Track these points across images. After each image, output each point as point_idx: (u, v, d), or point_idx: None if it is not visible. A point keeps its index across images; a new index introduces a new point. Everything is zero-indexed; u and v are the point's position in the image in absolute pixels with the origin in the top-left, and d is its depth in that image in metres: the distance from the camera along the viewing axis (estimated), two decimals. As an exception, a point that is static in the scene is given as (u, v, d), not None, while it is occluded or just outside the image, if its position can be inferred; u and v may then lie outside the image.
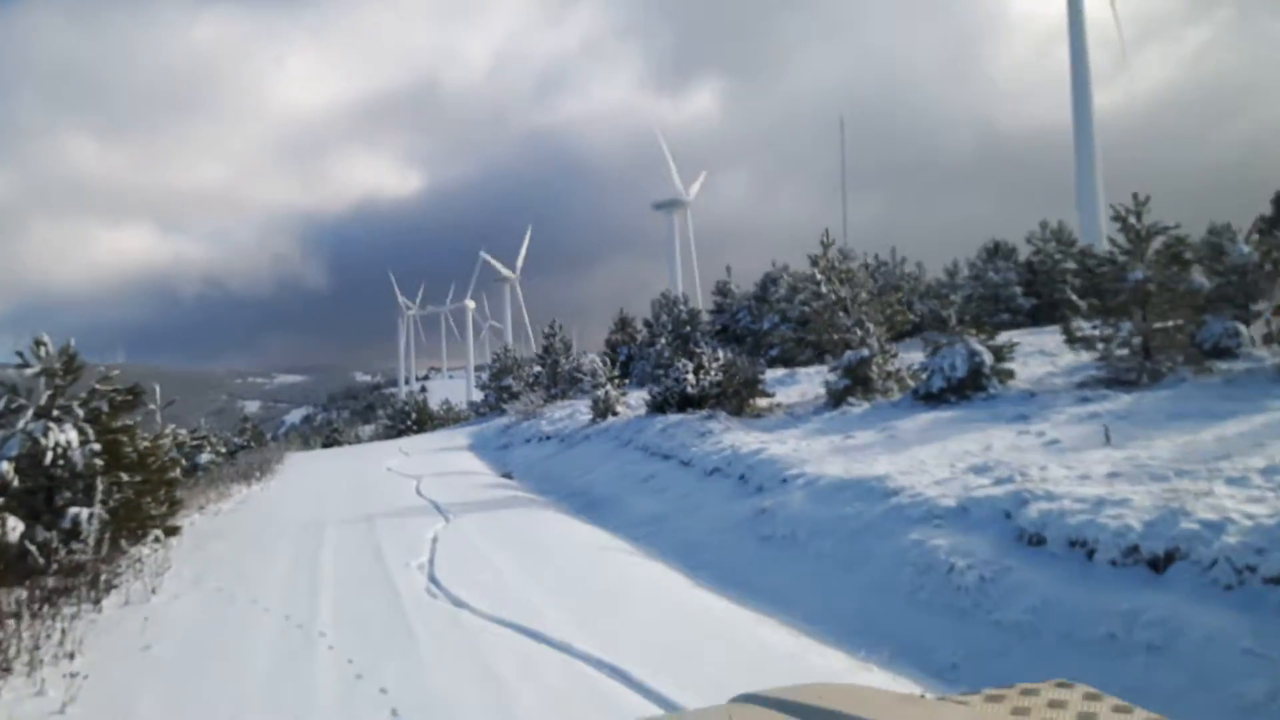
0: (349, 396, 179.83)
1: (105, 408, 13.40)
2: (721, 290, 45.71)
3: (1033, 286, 34.32)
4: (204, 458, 34.34)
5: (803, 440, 13.77)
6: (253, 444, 44.12)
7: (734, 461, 13.24)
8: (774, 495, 11.44)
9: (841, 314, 17.21)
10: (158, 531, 13.70)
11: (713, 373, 19.57)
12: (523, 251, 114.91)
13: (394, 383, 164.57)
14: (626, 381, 43.02)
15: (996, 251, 35.51)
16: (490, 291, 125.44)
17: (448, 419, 64.60)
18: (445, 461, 25.54)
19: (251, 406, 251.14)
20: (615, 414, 23.18)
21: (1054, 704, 1.48)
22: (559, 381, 45.66)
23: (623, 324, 45.23)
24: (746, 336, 42.90)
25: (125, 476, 13.30)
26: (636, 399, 24.85)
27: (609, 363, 43.20)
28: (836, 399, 16.03)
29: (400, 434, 57.67)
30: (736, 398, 17.90)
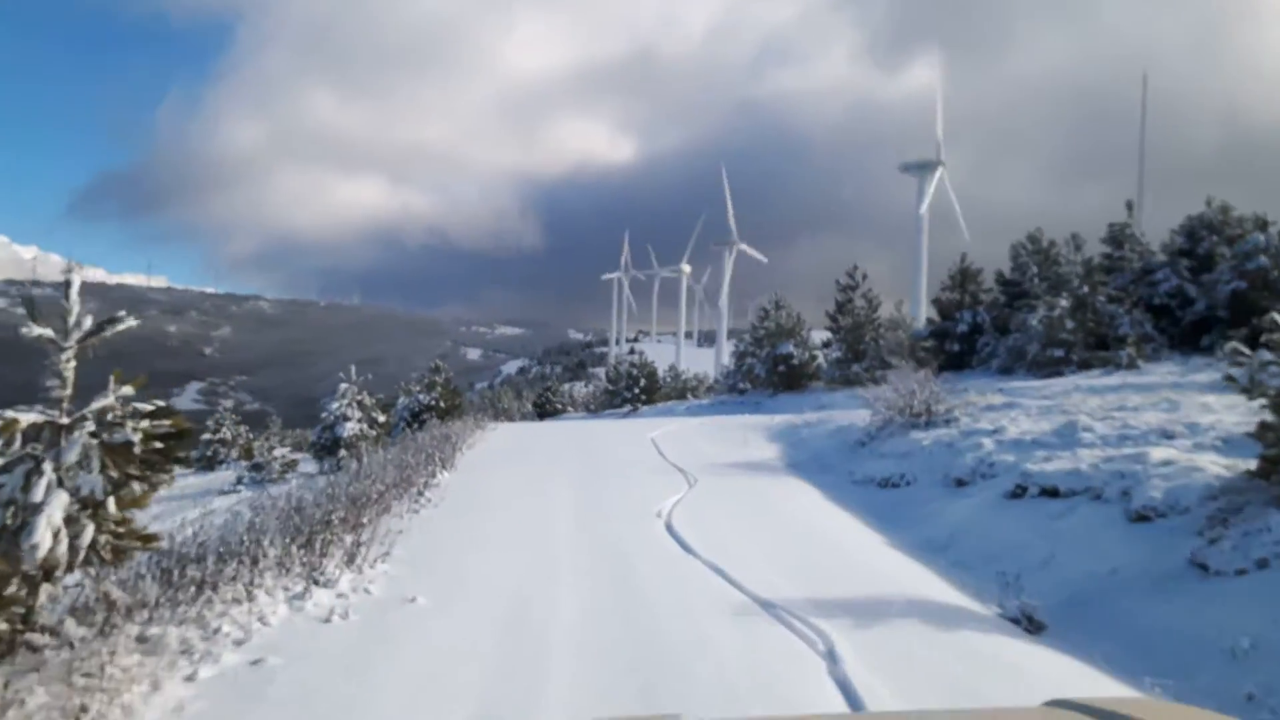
0: (562, 352, 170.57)
1: None
2: (1116, 238, 28.34)
3: None
4: (349, 429, 20.69)
5: None
6: (443, 404, 30.43)
7: None
8: None
9: None
10: None
11: None
12: (729, 207, 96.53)
13: (604, 342, 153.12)
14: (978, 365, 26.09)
15: None
16: (707, 258, 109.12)
17: (675, 388, 50.11)
18: (785, 518, 10.41)
19: (473, 354, 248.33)
20: None
21: None
22: (862, 356, 29.69)
23: (963, 278, 28.72)
24: (1175, 305, 25.55)
25: None
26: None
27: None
28: None
29: (624, 402, 43.51)
30: None
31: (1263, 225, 23.87)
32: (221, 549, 7.34)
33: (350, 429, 20.11)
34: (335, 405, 20.68)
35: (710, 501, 11.09)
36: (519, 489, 11.90)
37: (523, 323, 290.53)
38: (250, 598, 6.61)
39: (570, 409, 53.53)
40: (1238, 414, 10.51)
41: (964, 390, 15.76)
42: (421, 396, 29.13)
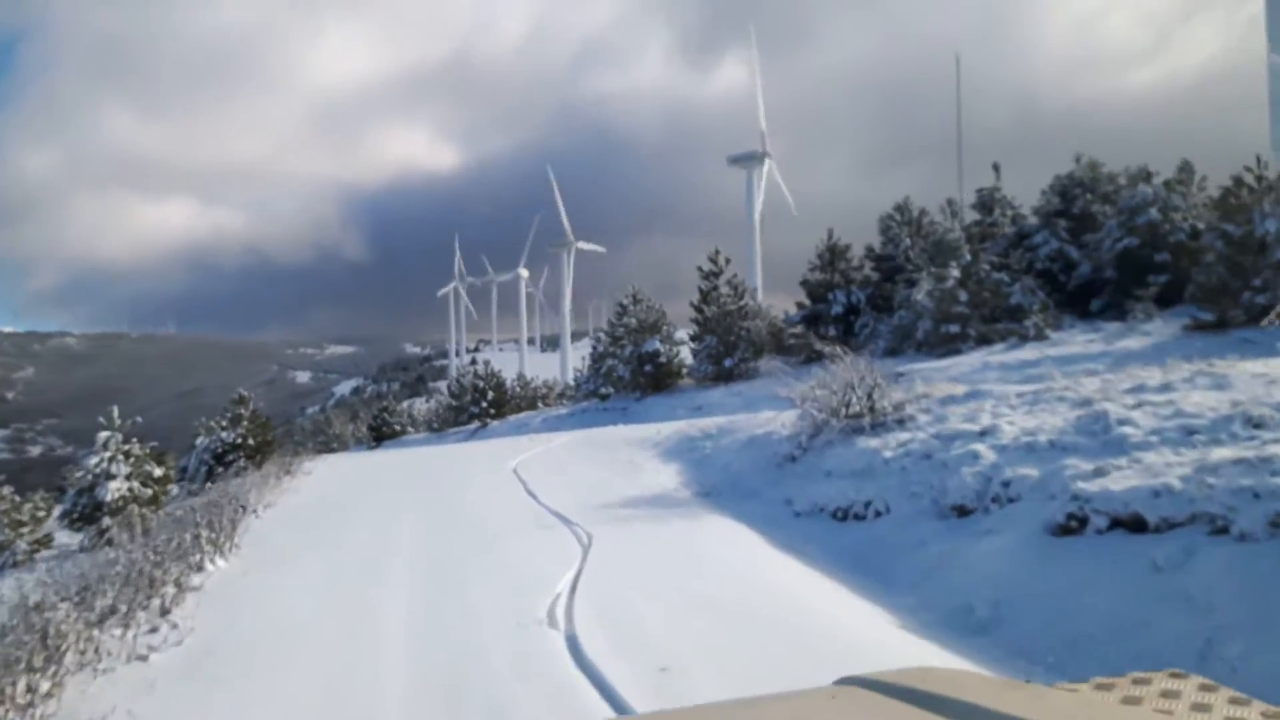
0: (399, 368, 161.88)
1: None
2: (985, 203, 26.55)
3: None
4: (113, 490, 15.67)
5: None
6: (251, 441, 25.27)
7: None
8: None
9: None
10: None
11: None
12: (560, 207, 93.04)
13: (444, 355, 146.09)
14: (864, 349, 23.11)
15: None
16: (545, 261, 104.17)
17: (525, 397, 45.93)
18: (733, 594, 6.81)
19: (303, 377, 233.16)
20: None
21: (1167, 694, 1.20)
22: (734, 349, 26.59)
23: (833, 256, 26.13)
24: (1057, 269, 23.82)
25: None
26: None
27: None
28: None
29: (471, 418, 38.99)
30: None
31: (1146, 177, 22.32)
32: None
33: (115, 489, 15.13)
34: (94, 460, 15.61)
35: (619, 576, 7.38)
36: (327, 589, 7.77)
37: (355, 340, 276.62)
38: None
39: (411, 429, 48.28)
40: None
41: (910, 379, 12.66)
42: (225, 434, 23.98)
